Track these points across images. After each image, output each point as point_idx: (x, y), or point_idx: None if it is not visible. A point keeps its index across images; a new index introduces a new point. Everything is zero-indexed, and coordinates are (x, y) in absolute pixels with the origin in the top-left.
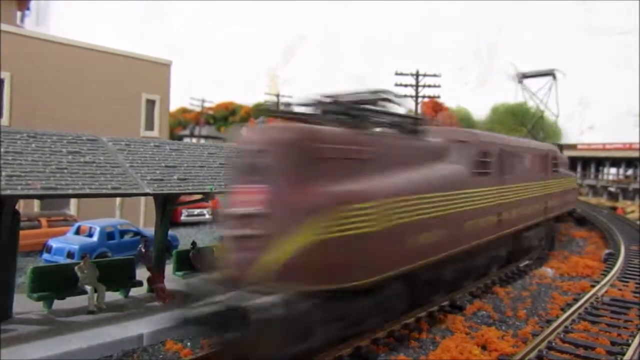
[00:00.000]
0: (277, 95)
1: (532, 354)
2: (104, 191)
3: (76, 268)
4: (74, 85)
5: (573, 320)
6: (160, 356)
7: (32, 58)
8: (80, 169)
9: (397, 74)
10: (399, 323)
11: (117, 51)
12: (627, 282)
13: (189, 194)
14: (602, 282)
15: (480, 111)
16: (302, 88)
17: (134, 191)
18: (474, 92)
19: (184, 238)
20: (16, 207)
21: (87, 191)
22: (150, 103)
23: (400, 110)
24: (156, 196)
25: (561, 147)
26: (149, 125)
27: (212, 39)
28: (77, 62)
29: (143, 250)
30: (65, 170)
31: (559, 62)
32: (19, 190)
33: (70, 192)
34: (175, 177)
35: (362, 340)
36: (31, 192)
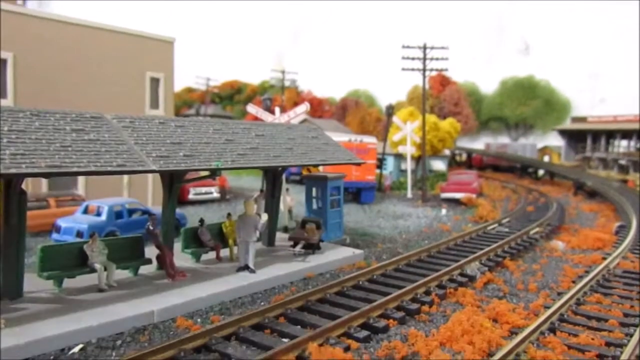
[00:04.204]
0: (283, 72)
1: (545, 326)
2: (109, 168)
3: (85, 246)
4: (78, 64)
5: (585, 293)
6: (172, 332)
7: (35, 38)
8: (85, 146)
9: (404, 47)
10: (409, 294)
11: (120, 29)
12: None
13: (195, 170)
14: (614, 255)
15: (488, 85)
16: (308, 67)
17: (140, 168)
18: (482, 67)
19: (192, 217)
20: (23, 187)
21: (92, 169)
22: (155, 81)
23: None
24: (163, 174)
25: None
26: (154, 104)
27: (216, 17)
28: (80, 42)
29: (151, 228)
30: (70, 148)
31: (569, 35)
32: (24, 169)
33: (75, 169)
34: (181, 153)
35: (373, 312)
36: (36, 170)
